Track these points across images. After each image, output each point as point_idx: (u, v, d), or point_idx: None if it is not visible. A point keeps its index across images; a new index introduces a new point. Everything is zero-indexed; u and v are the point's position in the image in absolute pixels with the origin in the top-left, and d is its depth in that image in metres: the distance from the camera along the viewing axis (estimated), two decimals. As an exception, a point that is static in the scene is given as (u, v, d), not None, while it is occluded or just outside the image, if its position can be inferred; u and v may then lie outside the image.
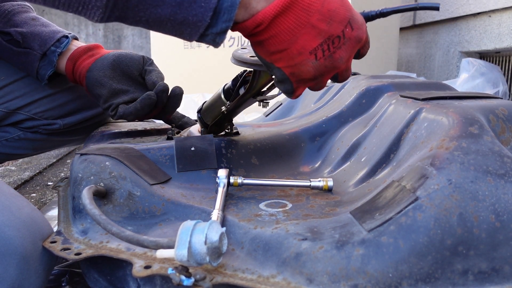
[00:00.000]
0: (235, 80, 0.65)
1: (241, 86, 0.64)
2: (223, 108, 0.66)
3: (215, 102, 0.68)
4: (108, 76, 0.76)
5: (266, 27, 0.47)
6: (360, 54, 0.55)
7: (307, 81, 0.52)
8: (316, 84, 0.54)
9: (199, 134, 0.75)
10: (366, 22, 0.57)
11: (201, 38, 0.46)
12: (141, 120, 0.79)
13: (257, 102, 0.66)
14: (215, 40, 0.47)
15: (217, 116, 0.69)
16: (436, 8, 0.56)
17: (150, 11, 0.43)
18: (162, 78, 0.79)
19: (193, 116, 0.85)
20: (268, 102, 0.66)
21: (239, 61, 0.59)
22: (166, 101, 0.78)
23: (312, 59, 0.50)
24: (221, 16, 0.44)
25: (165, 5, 0.43)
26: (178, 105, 0.79)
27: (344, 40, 0.50)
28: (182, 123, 0.84)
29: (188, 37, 0.47)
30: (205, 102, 0.73)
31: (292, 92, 0.53)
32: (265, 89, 0.64)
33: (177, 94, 0.78)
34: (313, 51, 0.49)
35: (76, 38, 0.82)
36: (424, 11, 2.48)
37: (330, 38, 0.49)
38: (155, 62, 0.82)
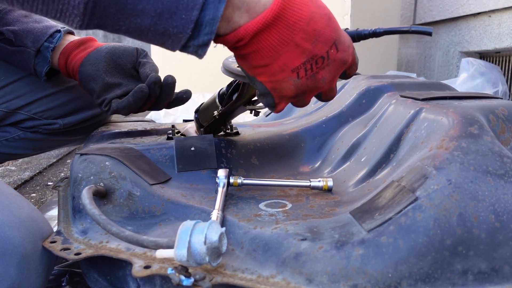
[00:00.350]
0: (229, 86, 0.66)
1: (234, 92, 0.64)
2: (215, 112, 0.67)
3: (210, 105, 0.69)
4: (100, 70, 0.75)
5: (248, 42, 0.46)
6: (346, 74, 0.54)
7: (289, 98, 0.52)
8: (298, 101, 0.53)
9: (195, 134, 0.76)
10: (359, 40, 0.57)
11: (183, 49, 0.46)
12: (136, 112, 0.79)
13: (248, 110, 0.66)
14: (198, 52, 0.46)
15: (211, 119, 0.69)
16: (429, 34, 0.56)
17: (129, 20, 0.42)
18: (156, 71, 0.78)
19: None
20: (259, 112, 0.67)
21: (227, 70, 0.59)
22: (160, 92, 0.77)
23: (294, 77, 0.49)
24: (202, 29, 0.43)
25: (145, 15, 0.42)
26: (171, 95, 0.78)
27: (328, 61, 0.49)
28: (176, 96, 0.83)
29: (170, 48, 0.46)
30: (203, 103, 0.73)
31: (274, 106, 0.53)
32: (255, 98, 0.65)
33: (170, 83, 0.77)
34: (296, 70, 0.48)
35: (71, 32, 0.81)
36: (424, 11, 2.48)
37: (313, 58, 0.48)
38: (155, 62, 0.82)
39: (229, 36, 0.46)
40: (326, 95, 0.54)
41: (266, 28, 0.45)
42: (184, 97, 0.82)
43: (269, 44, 0.47)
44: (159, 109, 0.80)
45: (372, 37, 0.57)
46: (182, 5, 0.41)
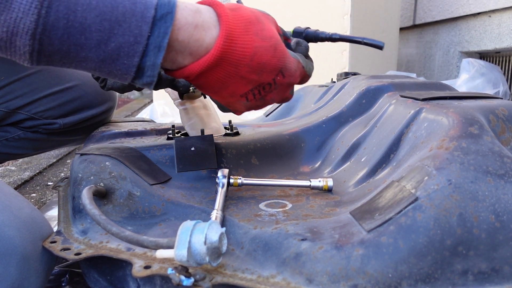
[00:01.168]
0: None
1: None
2: (191, 88, 0.69)
3: None
4: None
5: (194, 78, 0.48)
6: (300, 83, 0.58)
7: (243, 112, 0.57)
8: (255, 110, 0.57)
9: (175, 95, 0.76)
10: (316, 41, 0.60)
11: (132, 83, 0.48)
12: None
13: None
14: (144, 88, 0.48)
15: (189, 91, 0.71)
16: (380, 47, 0.60)
17: (75, 64, 0.44)
18: None
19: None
20: None
21: None
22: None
23: (243, 101, 0.53)
24: (145, 72, 0.45)
25: (89, 61, 0.43)
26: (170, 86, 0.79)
27: (275, 86, 0.52)
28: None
29: (120, 81, 0.48)
30: None
31: (234, 113, 0.58)
32: None
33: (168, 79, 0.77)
34: (244, 95, 0.52)
35: None
36: (424, 11, 2.48)
37: (260, 85, 0.51)
38: None
39: (176, 72, 0.48)
40: (281, 102, 0.59)
41: (211, 68, 0.47)
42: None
43: (216, 78, 0.49)
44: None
45: (328, 41, 0.61)
46: (124, 52, 0.43)
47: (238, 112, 0.57)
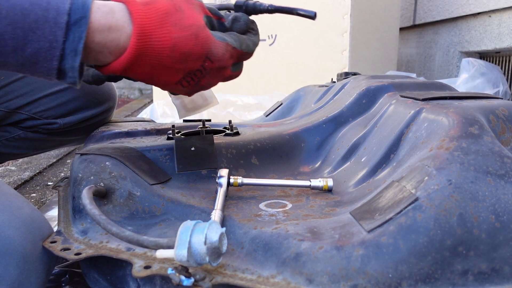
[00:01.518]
0: None
1: None
2: None
3: None
4: None
5: (121, 73, 0.49)
6: (239, 61, 0.57)
7: (188, 95, 0.58)
8: (198, 91, 0.57)
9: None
10: (256, 14, 0.60)
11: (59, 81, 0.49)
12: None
13: None
14: (71, 86, 0.49)
15: None
16: (312, 17, 0.59)
17: None
18: None
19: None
20: None
21: None
22: None
23: (179, 87, 0.53)
24: (67, 73, 0.46)
25: (9, 66, 0.45)
26: None
27: (206, 71, 0.52)
28: None
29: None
30: None
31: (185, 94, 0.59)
32: None
33: None
34: (178, 82, 0.52)
35: None
36: (424, 11, 2.48)
37: (190, 73, 0.52)
38: None
39: (103, 69, 0.50)
40: (224, 81, 0.58)
41: (132, 64, 0.48)
42: None
43: (142, 72, 0.50)
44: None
45: (266, 13, 0.60)
46: (42, 57, 0.44)
47: (187, 95, 0.58)
